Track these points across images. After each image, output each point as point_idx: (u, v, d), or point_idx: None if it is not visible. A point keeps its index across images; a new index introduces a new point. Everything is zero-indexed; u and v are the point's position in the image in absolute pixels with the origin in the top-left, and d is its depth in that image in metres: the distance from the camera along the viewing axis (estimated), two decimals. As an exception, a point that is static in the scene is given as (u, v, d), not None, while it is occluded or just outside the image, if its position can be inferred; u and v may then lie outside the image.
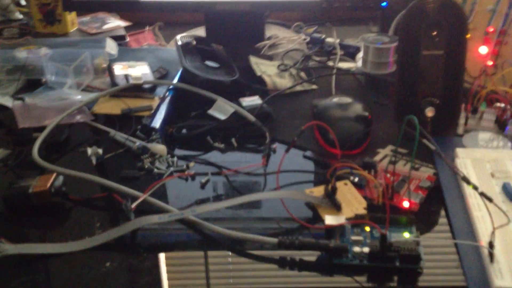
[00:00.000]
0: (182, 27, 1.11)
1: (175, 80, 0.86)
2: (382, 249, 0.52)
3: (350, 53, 1.00)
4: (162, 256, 0.57)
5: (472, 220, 0.56)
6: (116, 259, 0.56)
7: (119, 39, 1.04)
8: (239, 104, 0.79)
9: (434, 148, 0.54)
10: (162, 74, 0.91)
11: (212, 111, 0.78)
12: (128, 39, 1.07)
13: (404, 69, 0.71)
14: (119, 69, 0.88)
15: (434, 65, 0.70)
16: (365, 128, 0.72)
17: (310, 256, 0.55)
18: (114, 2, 0.95)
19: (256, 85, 0.87)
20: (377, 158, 0.70)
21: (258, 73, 0.90)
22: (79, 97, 0.83)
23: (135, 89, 0.84)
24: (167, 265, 0.56)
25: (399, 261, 0.52)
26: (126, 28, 1.10)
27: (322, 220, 0.59)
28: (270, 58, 0.97)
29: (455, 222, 0.57)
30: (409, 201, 0.60)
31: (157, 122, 0.75)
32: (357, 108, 0.75)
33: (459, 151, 0.67)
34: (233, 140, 0.75)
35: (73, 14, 1.10)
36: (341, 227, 0.57)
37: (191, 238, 0.59)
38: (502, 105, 0.73)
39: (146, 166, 0.69)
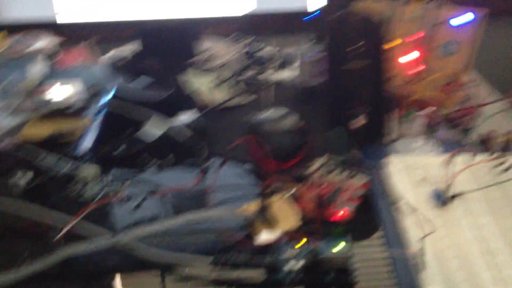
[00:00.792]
0: (120, 41, 1.08)
1: (109, 98, 0.84)
2: (315, 263, 0.52)
3: (288, 63, 1.00)
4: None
5: (403, 228, 0.57)
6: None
7: (51, 57, 1.01)
8: (175, 120, 0.78)
9: (361, 157, 0.55)
10: (96, 92, 0.88)
11: (146, 129, 0.76)
12: (61, 56, 1.04)
13: (332, 80, 0.72)
14: (49, 89, 0.85)
15: (361, 75, 0.70)
16: (300, 139, 0.72)
17: (247, 273, 0.54)
18: (42, 24, 0.92)
19: (193, 100, 0.86)
20: (314, 168, 0.70)
21: (194, 87, 0.89)
22: (8, 120, 0.79)
23: (66, 110, 0.81)
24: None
25: (333, 274, 0.52)
26: (59, 45, 1.07)
27: (257, 237, 0.58)
28: (206, 71, 0.96)
29: (388, 230, 0.58)
30: (343, 211, 0.61)
31: (88, 143, 0.73)
32: (293, 119, 0.75)
33: (391, 158, 0.68)
34: (169, 156, 0.73)
35: (1, 34, 1.06)
36: (276, 243, 0.56)
37: (125, 260, 0.57)
38: (432, 110, 0.75)
39: (77, 190, 0.66)
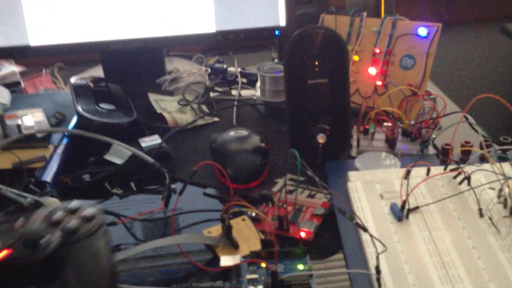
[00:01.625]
0: (83, 65, 1.08)
1: (71, 126, 0.84)
2: (274, 286, 0.52)
3: (252, 81, 1.02)
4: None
5: (362, 245, 0.58)
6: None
7: (13, 85, 1.00)
8: (138, 145, 0.78)
9: (317, 180, 0.56)
10: (59, 120, 0.88)
11: (108, 156, 0.76)
12: (23, 84, 1.03)
13: (292, 98, 0.73)
14: (11, 118, 0.84)
15: (320, 93, 0.72)
16: (262, 159, 0.73)
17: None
18: (3, 48, 0.92)
19: (156, 123, 0.86)
20: (275, 188, 0.71)
21: (158, 111, 0.89)
22: (-33, 152, 0.79)
23: (28, 139, 0.80)
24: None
25: (293, 295, 0.53)
26: (21, 73, 1.06)
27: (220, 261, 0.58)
28: (171, 93, 0.97)
29: (347, 248, 0.59)
30: (304, 231, 0.61)
31: (49, 174, 0.72)
32: (254, 140, 0.75)
33: (351, 174, 0.69)
34: (132, 184, 0.73)
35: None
36: (237, 267, 0.57)
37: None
38: (391, 124, 0.76)
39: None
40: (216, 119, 0.90)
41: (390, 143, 0.76)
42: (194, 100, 0.92)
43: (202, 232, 0.63)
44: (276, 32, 0.95)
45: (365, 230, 0.51)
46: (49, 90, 1.03)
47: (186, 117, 0.89)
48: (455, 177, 0.66)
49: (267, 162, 0.74)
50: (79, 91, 0.85)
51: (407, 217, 0.60)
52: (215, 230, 0.63)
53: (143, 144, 0.78)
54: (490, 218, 0.59)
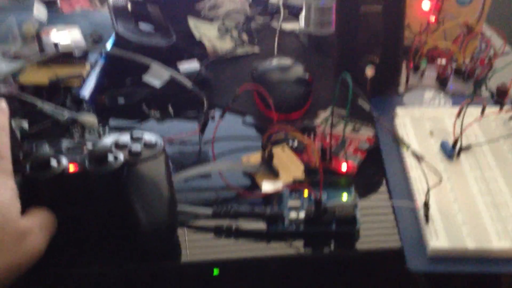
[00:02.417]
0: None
1: (108, 45, 0.81)
2: (317, 214, 0.51)
3: (294, 13, 0.97)
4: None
5: (409, 180, 0.55)
6: None
7: (49, 3, 0.97)
8: (176, 69, 0.75)
9: (368, 108, 0.53)
10: (95, 40, 0.85)
11: (147, 78, 0.74)
12: (59, 2, 1.00)
13: (342, 27, 0.69)
14: (48, 35, 0.82)
15: (372, 22, 0.67)
16: (305, 90, 0.70)
17: (249, 224, 0.53)
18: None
19: (195, 49, 0.83)
20: (318, 120, 0.68)
21: (197, 36, 0.86)
22: (4, 66, 0.77)
23: (65, 57, 0.78)
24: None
25: (335, 224, 0.51)
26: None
27: (260, 188, 0.57)
28: (210, 19, 0.93)
29: (392, 183, 0.56)
30: (347, 163, 0.59)
31: (87, 91, 0.71)
32: (298, 70, 0.72)
33: (399, 110, 0.65)
34: (169, 107, 0.71)
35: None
36: (278, 193, 0.55)
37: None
38: (443, 61, 0.72)
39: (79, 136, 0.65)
40: (256, 49, 0.86)
41: (442, 81, 0.72)
42: (234, 28, 0.89)
43: (241, 159, 0.62)
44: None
45: (420, 159, 0.49)
46: (85, 9, 1.00)
47: (225, 45, 0.85)
48: (511, 118, 0.63)
49: (311, 92, 0.71)
50: (118, 11, 0.82)
51: (458, 156, 0.58)
52: (254, 157, 0.61)
53: (181, 69, 0.76)
54: (547, 162, 0.56)
